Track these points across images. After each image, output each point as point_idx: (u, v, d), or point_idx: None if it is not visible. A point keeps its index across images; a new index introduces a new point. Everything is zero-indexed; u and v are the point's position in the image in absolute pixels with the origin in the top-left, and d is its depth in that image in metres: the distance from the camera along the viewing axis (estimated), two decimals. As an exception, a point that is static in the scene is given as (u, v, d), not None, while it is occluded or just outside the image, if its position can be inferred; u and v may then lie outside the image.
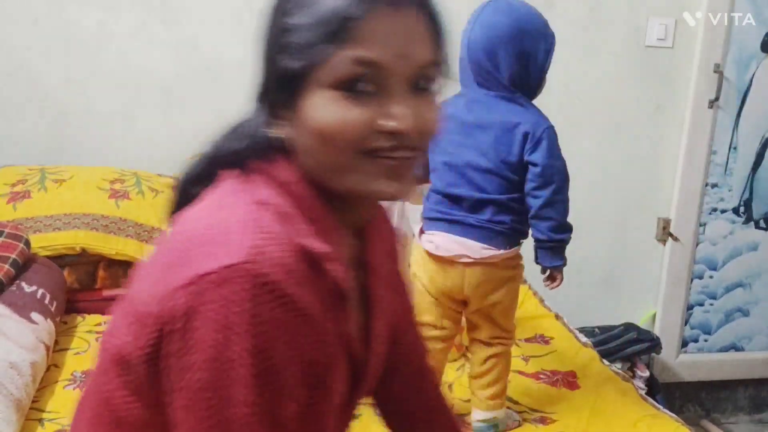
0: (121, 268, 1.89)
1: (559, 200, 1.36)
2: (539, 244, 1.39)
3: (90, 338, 1.73)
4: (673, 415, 1.50)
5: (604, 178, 2.52)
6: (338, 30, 0.62)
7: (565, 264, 1.42)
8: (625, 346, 2.33)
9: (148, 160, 2.21)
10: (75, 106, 2.18)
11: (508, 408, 1.49)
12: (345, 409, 0.77)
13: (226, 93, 2.23)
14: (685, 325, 2.64)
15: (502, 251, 1.38)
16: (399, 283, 0.88)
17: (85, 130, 2.20)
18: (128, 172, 2.09)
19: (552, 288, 1.46)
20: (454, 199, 1.38)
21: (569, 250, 2.50)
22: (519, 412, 1.49)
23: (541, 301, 2.12)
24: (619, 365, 2.31)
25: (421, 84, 0.66)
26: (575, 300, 2.58)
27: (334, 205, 0.70)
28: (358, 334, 0.74)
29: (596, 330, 2.41)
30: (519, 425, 1.45)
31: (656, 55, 2.43)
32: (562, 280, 1.43)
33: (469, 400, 1.46)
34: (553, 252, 1.39)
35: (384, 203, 0.82)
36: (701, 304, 2.64)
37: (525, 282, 2.22)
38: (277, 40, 0.68)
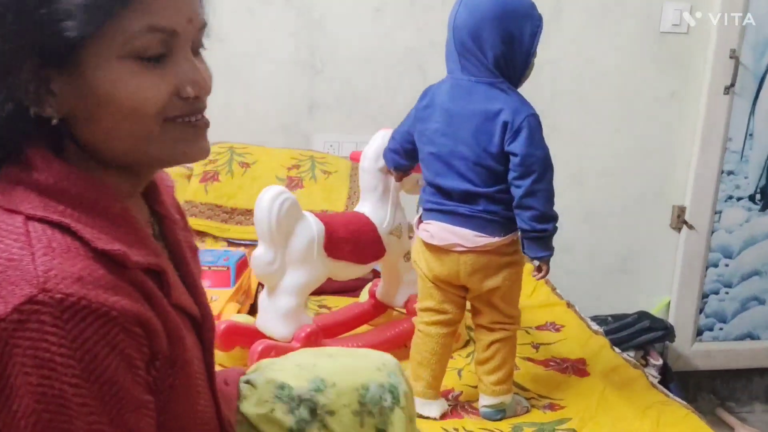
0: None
1: (541, 190, 1.32)
2: (523, 234, 1.36)
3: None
4: (684, 402, 1.49)
5: (618, 165, 2.50)
6: None
7: (551, 254, 1.40)
8: (637, 334, 2.33)
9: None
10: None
11: (517, 394, 1.49)
12: (208, 369, 0.77)
13: (239, 83, 2.27)
14: (700, 313, 2.63)
15: (496, 239, 1.36)
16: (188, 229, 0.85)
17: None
18: (142, 161, 2.12)
19: (538, 279, 1.47)
20: (444, 190, 1.38)
21: (581, 238, 2.53)
22: (528, 399, 1.50)
23: (553, 289, 2.11)
24: (632, 353, 2.30)
25: (196, 46, 0.67)
26: (589, 288, 2.58)
27: (122, 179, 0.67)
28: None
29: (609, 318, 2.40)
30: (527, 411, 1.45)
31: (671, 41, 2.41)
32: (548, 271, 1.42)
33: (477, 387, 1.47)
34: (538, 242, 1.36)
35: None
36: (716, 293, 2.62)
37: (537, 270, 2.23)
38: (43, 5, 0.58)
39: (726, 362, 2.66)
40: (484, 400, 1.42)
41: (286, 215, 1.41)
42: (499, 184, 1.35)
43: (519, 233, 1.39)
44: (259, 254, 1.43)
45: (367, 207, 1.61)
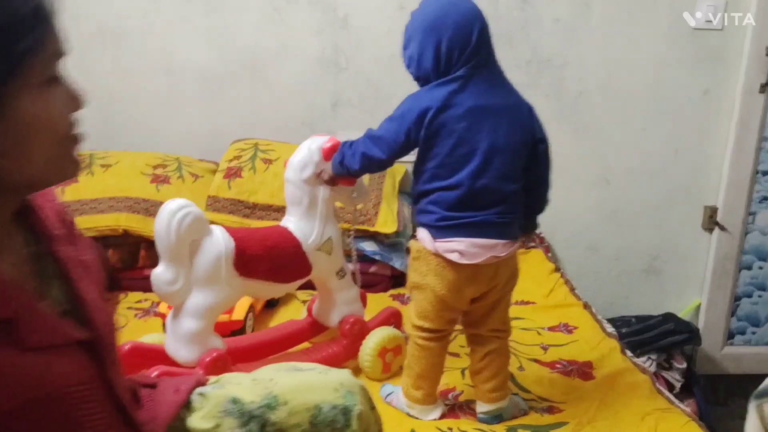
0: (160, 249, 2.00)
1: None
2: (535, 216, 1.49)
3: (129, 314, 1.85)
4: (686, 409, 1.47)
5: (647, 164, 2.45)
6: (41, 26, 0.63)
7: None
8: (661, 336, 2.29)
9: (190, 146, 2.31)
10: (123, 93, 2.30)
11: (516, 395, 1.50)
12: (110, 393, 0.74)
13: (263, 82, 2.33)
14: (732, 316, 2.56)
15: (517, 243, 1.39)
16: (82, 239, 0.84)
17: (132, 117, 2.32)
18: (171, 157, 2.20)
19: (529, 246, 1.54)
20: (474, 196, 1.31)
21: (608, 238, 2.50)
22: (528, 401, 1.51)
23: (572, 289, 2.10)
24: (654, 356, 2.27)
25: None
26: (615, 289, 2.56)
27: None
28: (72, 311, 0.73)
29: (633, 320, 2.37)
30: (525, 414, 1.46)
31: (704, 38, 2.34)
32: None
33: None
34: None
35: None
36: (749, 296, 2.54)
37: (558, 270, 2.22)
38: None
39: (758, 366, 2.58)
40: (481, 407, 1.43)
41: (187, 230, 1.29)
42: (521, 180, 1.37)
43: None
44: (159, 273, 1.31)
45: (292, 221, 1.50)
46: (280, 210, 2.07)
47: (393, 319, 1.69)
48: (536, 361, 1.69)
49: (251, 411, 0.86)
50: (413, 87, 2.41)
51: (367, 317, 1.64)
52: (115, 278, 1.98)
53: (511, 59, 2.35)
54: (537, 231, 2.50)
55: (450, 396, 1.53)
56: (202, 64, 2.29)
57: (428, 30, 1.31)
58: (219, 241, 1.35)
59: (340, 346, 1.57)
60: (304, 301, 1.95)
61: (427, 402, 1.44)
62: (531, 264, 2.29)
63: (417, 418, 1.43)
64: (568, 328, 1.87)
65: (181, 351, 1.35)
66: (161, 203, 1.97)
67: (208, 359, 1.34)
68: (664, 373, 2.27)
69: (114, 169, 2.09)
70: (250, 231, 1.53)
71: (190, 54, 2.28)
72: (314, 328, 1.65)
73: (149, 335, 1.55)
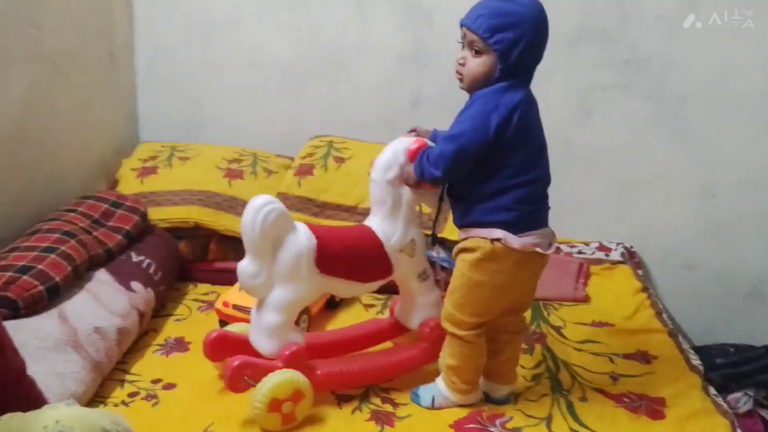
0: (231, 243, 2.02)
1: None
2: None
3: (194, 306, 1.89)
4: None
5: (759, 176, 2.19)
6: None
7: None
8: (762, 370, 2.04)
9: (270, 141, 2.33)
10: (209, 87, 2.35)
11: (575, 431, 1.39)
12: None
13: (345, 78, 2.30)
14: None
15: None
16: None
17: (217, 110, 2.37)
18: (248, 152, 2.22)
19: None
20: (545, 188, 1.41)
21: (709, 255, 2.28)
22: (583, 437, 1.38)
23: (659, 313, 1.92)
24: (752, 392, 2.04)
25: None
26: (713, 313, 2.33)
27: None
28: None
29: (731, 349, 2.14)
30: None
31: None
32: None
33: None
34: None
35: None
36: None
37: (646, 290, 2.04)
38: None
39: None
40: (499, 390, 1.50)
41: (271, 226, 1.33)
42: None
43: None
44: (244, 266, 1.35)
45: (375, 221, 1.48)
46: (349, 210, 2.04)
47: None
48: (602, 391, 1.55)
49: None
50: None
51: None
52: (185, 270, 2.02)
53: (606, 58, 2.18)
54: (627, 245, 2.33)
55: (497, 422, 1.43)
56: (286, 58, 2.29)
57: (537, 25, 1.31)
58: (302, 238, 1.37)
59: (419, 349, 1.55)
60: (366, 305, 1.91)
61: (475, 388, 1.48)
62: (615, 281, 2.12)
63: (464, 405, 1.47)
64: (646, 357, 1.71)
65: (262, 342, 1.40)
66: (233, 198, 2.05)
67: (287, 353, 1.38)
68: (763, 411, 2.03)
69: (192, 162, 2.13)
70: (332, 229, 1.51)
71: (275, 48, 2.29)
72: (396, 329, 1.63)
73: (236, 324, 1.58)
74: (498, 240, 1.34)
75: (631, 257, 2.27)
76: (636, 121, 2.23)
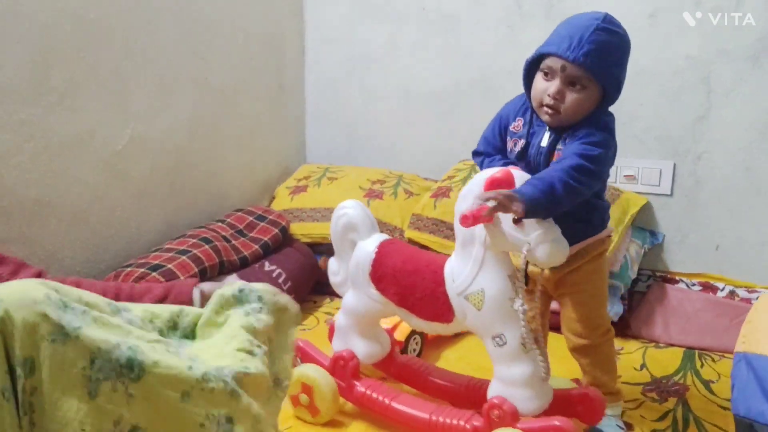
0: (365, 261, 2.07)
1: None
2: None
3: (322, 318, 1.96)
4: None
5: None
6: None
7: None
8: None
9: (421, 164, 2.35)
10: (366, 113, 2.45)
11: None
12: None
13: (496, 101, 2.24)
14: None
15: None
16: None
17: (372, 136, 2.46)
18: (394, 174, 2.26)
19: None
20: None
21: None
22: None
23: None
24: None
25: None
26: None
27: None
28: None
29: None
30: None
31: None
32: None
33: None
34: None
35: None
36: None
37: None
38: None
39: None
40: None
41: (341, 229, 1.39)
42: None
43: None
44: (330, 262, 1.45)
45: (452, 257, 1.27)
46: (481, 234, 1.97)
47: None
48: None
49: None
50: (663, 107, 2.08)
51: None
52: (325, 284, 2.10)
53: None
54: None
55: None
56: (438, 83, 2.31)
57: (628, 54, 1.27)
58: (366, 247, 1.36)
59: (472, 424, 1.25)
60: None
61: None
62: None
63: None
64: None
65: (333, 339, 1.46)
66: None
67: (335, 356, 1.42)
68: None
69: (339, 181, 2.23)
70: (402, 248, 1.37)
71: (427, 74, 2.32)
72: (470, 391, 1.41)
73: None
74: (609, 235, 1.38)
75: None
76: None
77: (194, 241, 1.77)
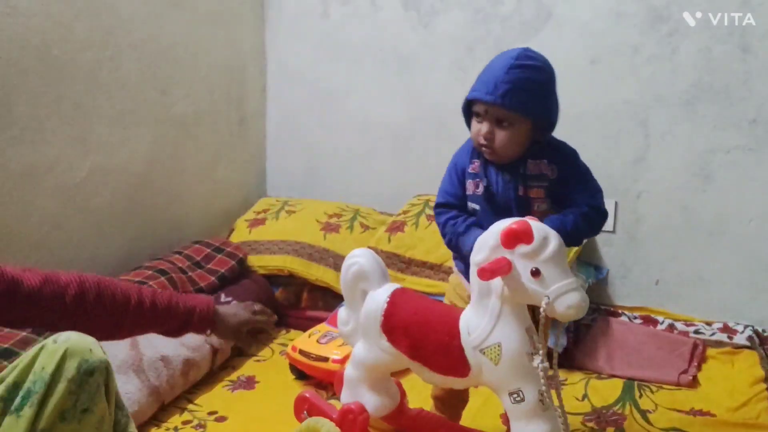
0: (321, 293, 2.12)
1: None
2: None
3: (277, 349, 1.99)
4: None
5: None
6: None
7: None
8: None
9: (377, 198, 2.42)
10: (325, 147, 2.52)
11: None
12: None
13: (449, 140, 2.33)
14: None
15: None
16: None
17: (331, 169, 2.52)
18: (351, 207, 2.33)
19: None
20: None
21: None
22: None
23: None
24: None
25: None
26: None
27: None
28: None
29: None
30: None
31: None
32: None
33: None
34: None
35: None
36: None
37: (769, 380, 1.76)
38: None
39: None
40: None
41: (352, 279, 1.34)
42: None
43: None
44: (340, 311, 1.41)
45: (468, 308, 1.23)
46: (434, 267, 2.04)
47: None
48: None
49: None
50: (604, 148, 2.15)
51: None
52: (282, 315, 2.15)
53: (728, 118, 1.98)
54: (760, 328, 2.03)
55: None
56: (393, 121, 2.40)
57: (551, 81, 1.31)
58: (377, 297, 1.31)
59: None
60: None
61: None
62: (736, 368, 1.88)
63: None
64: None
65: (342, 390, 1.41)
66: (325, 250, 2.16)
67: (343, 409, 1.35)
68: None
69: (296, 215, 2.29)
70: (415, 299, 1.33)
71: (383, 111, 2.41)
72: None
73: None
74: None
75: (762, 343, 1.98)
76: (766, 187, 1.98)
77: (150, 272, 1.80)
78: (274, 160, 2.62)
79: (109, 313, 1.06)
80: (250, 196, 2.55)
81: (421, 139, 2.37)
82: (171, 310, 0.95)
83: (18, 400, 0.89)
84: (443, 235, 1.34)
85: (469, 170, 1.34)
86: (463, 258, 1.33)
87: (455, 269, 1.43)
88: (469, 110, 1.33)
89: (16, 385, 0.90)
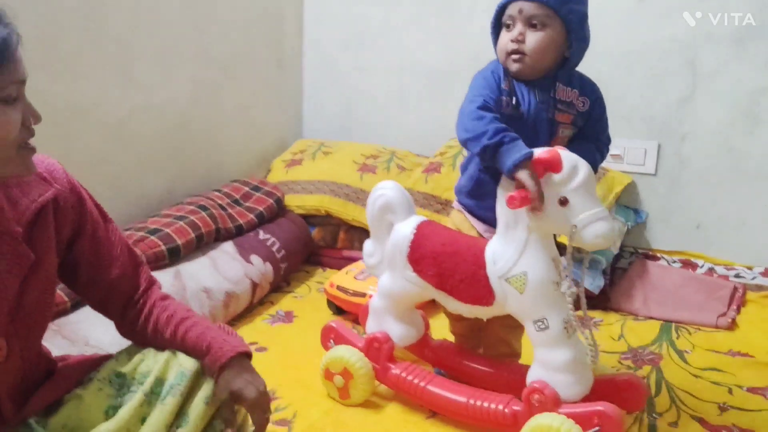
0: (357, 233, 2.14)
1: None
2: None
3: (314, 287, 2.02)
4: None
5: None
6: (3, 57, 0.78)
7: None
8: None
9: (413, 141, 2.41)
10: (361, 90, 2.51)
11: None
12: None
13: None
14: None
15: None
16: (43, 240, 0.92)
17: (368, 112, 2.51)
18: (387, 150, 2.32)
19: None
20: None
21: None
22: None
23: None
24: None
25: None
26: None
27: None
28: None
29: None
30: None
31: None
32: None
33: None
34: None
35: None
36: None
37: None
38: None
39: None
40: None
41: (378, 210, 1.36)
42: None
43: None
44: (366, 243, 1.42)
45: (494, 238, 1.24)
46: (470, 209, 2.03)
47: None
48: (701, 420, 1.36)
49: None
50: (649, 88, 2.11)
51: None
52: (317, 255, 2.18)
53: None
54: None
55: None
56: (432, 62, 2.37)
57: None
58: (404, 229, 1.33)
59: (512, 408, 1.24)
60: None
61: None
62: (769, 311, 1.85)
63: None
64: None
65: (367, 320, 1.45)
66: (361, 190, 2.17)
67: (368, 338, 1.40)
68: None
69: (333, 156, 2.29)
70: (441, 231, 1.33)
71: (421, 53, 2.38)
72: (507, 375, 1.39)
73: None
74: None
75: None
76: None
77: (191, 207, 1.83)
78: (310, 102, 2.61)
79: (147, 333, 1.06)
80: (287, 138, 2.56)
81: (458, 82, 2.32)
82: (195, 349, 0.99)
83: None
84: (479, 136, 1.17)
85: (503, 86, 1.26)
86: (473, 193, 1.34)
87: (456, 206, 1.41)
88: (497, 31, 1.30)
89: (159, 381, 0.97)
